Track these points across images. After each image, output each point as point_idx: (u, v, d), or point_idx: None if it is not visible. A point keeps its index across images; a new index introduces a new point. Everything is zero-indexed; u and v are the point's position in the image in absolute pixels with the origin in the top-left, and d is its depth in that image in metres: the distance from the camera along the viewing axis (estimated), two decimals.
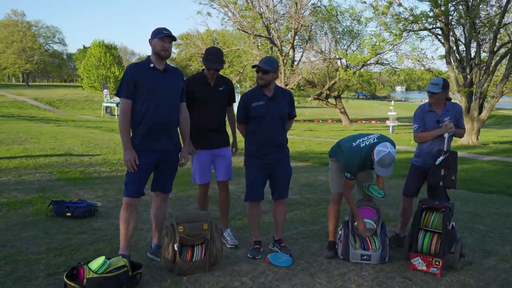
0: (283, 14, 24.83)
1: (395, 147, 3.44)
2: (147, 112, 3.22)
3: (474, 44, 17.29)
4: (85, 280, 2.80)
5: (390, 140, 3.50)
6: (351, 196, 3.64)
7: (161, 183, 3.46)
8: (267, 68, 3.54)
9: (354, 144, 3.51)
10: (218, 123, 3.84)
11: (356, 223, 3.64)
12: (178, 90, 3.41)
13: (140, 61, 3.44)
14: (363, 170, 3.65)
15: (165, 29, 3.26)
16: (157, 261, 3.45)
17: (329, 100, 29.51)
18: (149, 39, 3.30)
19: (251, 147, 3.70)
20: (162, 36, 3.21)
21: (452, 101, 3.96)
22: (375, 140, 3.45)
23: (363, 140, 3.51)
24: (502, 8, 15.58)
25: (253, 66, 3.65)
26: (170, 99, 3.33)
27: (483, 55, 17.54)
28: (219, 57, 3.74)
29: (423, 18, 16.57)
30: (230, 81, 4.03)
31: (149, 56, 3.36)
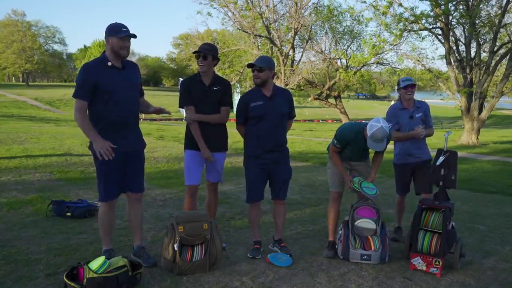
0: (283, 14, 24.86)
1: (390, 137, 3.58)
2: (109, 112, 3.14)
3: (474, 44, 17.29)
4: (85, 280, 2.79)
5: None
6: (337, 157, 3.76)
7: (130, 182, 3.36)
8: (262, 65, 3.54)
9: (350, 123, 3.76)
10: (214, 125, 3.68)
11: (356, 223, 3.64)
12: (137, 86, 3.34)
13: (95, 59, 3.29)
14: (356, 150, 3.73)
15: (123, 26, 3.14)
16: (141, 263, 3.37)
17: (329, 100, 29.53)
18: (106, 36, 3.14)
19: (251, 147, 3.70)
20: (122, 36, 3.10)
21: (419, 99, 4.27)
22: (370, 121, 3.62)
23: (358, 122, 3.75)
24: (502, 8, 15.58)
25: (248, 66, 3.61)
26: (130, 96, 3.25)
27: (483, 55, 17.55)
28: (207, 45, 3.65)
29: (423, 18, 16.58)
30: (228, 82, 3.86)
31: (104, 52, 3.23)
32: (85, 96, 3.10)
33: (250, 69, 3.65)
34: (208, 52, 3.58)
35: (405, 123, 4.07)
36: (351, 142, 3.65)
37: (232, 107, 3.82)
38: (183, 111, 3.77)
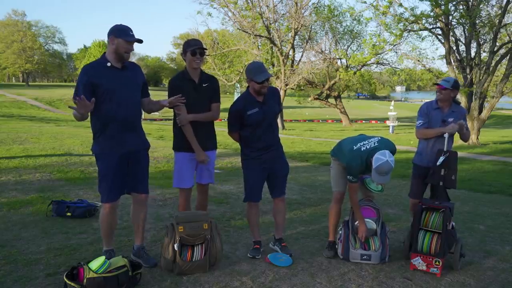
0: (283, 14, 24.88)
1: (395, 152, 3.45)
2: (110, 113, 3.11)
3: (474, 44, 17.31)
4: (85, 280, 2.79)
5: (391, 144, 3.51)
6: (357, 200, 3.63)
7: (133, 183, 3.35)
8: (270, 74, 3.56)
9: (355, 148, 3.51)
10: (205, 123, 3.65)
11: (356, 223, 3.64)
12: (138, 87, 3.31)
13: (95, 61, 3.28)
14: (366, 173, 3.66)
15: (131, 29, 3.13)
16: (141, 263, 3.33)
17: (329, 100, 29.55)
18: (112, 37, 3.09)
19: (249, 149, 3.68)
20: (131, 41, 3.08)
21: (459, 102, 3.97)
22: (376, 144, 3.46)
23: (363, 144, 3.50)
24: (502, 8, 15.59)
25: (261, 82, 3.46)
26: (131, 96, 3.23)
27: (483, 55, 17.57)
28: (199, 41, 3.61)
29: (423, 18, 16.58)
30: (215, 79, 3.83)
31: (104, 53, 3.20)
32: (85, 96, 3.06)
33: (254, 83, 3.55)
34: (204, 48, 3.57)
35: (435, 126, 3.81)
36: (363, 170, 3.55)
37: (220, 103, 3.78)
38: None
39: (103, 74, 3.11)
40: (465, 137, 3.91)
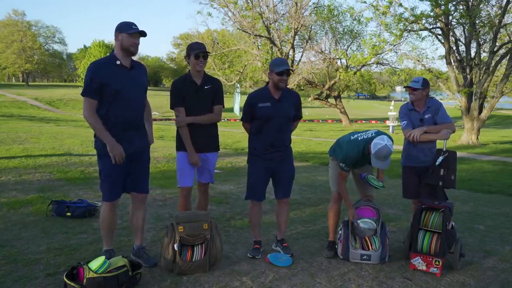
0: (283, 14, 24.87)
1: (392, 142, 3.47)
2: (117, 112, 3.11)
3: (474, 44, 17.29)
4: (85, 280, 2.79)
5: (388, 135, 3.54)
6: (345, 187, 3.69)
7: (135, 183, 3.36)
8: (290, 68, 3.58)
9: (353, 138, 3.61)
10: (205, 125, 3.67)
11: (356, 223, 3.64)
12: (144, 87, 3.33)
13: (104, 57, 3.28)
14: (362, 166, 3.68)
15: (133, 24, 3.14)
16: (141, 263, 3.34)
17: (329, 100, 29.52)
18: (116, 33, 3.13)
19: (255, 146, 3.70)
20: (133, 33, 3.10)
21: (431, 97, 3.96)
22: (373, 135, 3.52)
23: (361, 134, 3.59)
24: (502, 8, 15.58)
25: (280, 73, 3.49)
26: (138, 97, 3.24)
27: (483, 55, 17.54)
28: (202, 44, 3.67)
29: (423, 18, 16.58)
30: (219, 81, 3.88)
31: (112, 51, 3.21)
32: (94, 94, 3.07)
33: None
34: (207, 52, 3.62)
35: (416, 126, 3.83)
36: (358, 161, 3.59)
37: (224, 106, 3.81)
38: None
39: (112, 73, 3.10)
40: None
